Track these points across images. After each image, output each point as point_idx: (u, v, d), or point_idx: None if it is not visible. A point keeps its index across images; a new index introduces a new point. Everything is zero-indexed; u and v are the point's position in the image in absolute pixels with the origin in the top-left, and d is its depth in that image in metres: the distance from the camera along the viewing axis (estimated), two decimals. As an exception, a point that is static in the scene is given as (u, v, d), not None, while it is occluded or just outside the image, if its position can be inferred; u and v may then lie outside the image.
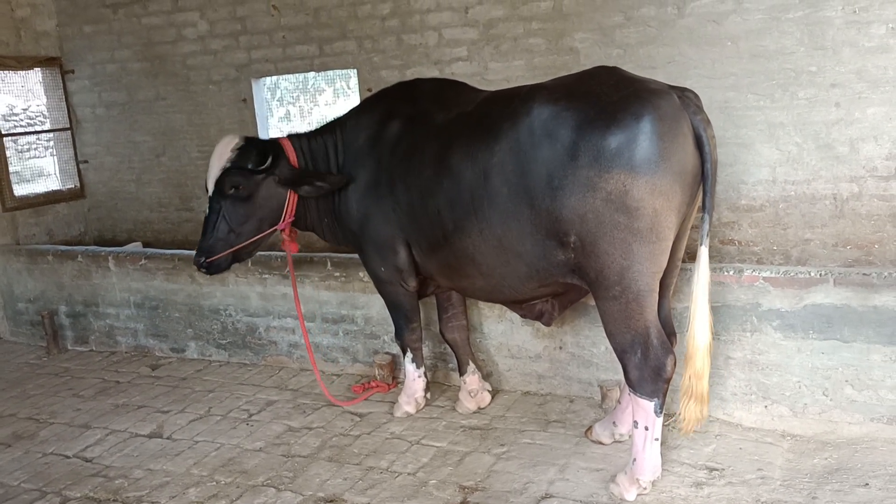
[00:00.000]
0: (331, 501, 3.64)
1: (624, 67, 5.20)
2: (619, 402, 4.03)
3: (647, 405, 3.42)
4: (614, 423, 3.97)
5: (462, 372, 4.56)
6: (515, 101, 3.55)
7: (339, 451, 4.14)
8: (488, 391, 4.58)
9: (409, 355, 4.52)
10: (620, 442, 3.96)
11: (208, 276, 4.64)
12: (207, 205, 4.34)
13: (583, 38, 5.47)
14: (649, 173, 3.13)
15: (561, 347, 4.57)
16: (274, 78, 7.09)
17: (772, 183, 5.19)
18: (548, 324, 4.12)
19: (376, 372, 4.98)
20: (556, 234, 3.37)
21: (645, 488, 3.49)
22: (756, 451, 3.83)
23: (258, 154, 4.22)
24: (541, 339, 4.61)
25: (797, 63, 4.97)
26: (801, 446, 3.83)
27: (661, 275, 3.39)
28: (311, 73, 6.77)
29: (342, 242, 4.55)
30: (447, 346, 4.64)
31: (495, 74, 5.76)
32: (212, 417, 4.72)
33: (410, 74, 6.00)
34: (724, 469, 3.68)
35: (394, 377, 4.98)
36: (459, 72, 5.87)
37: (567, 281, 3.57)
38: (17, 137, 7.72)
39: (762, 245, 5.28)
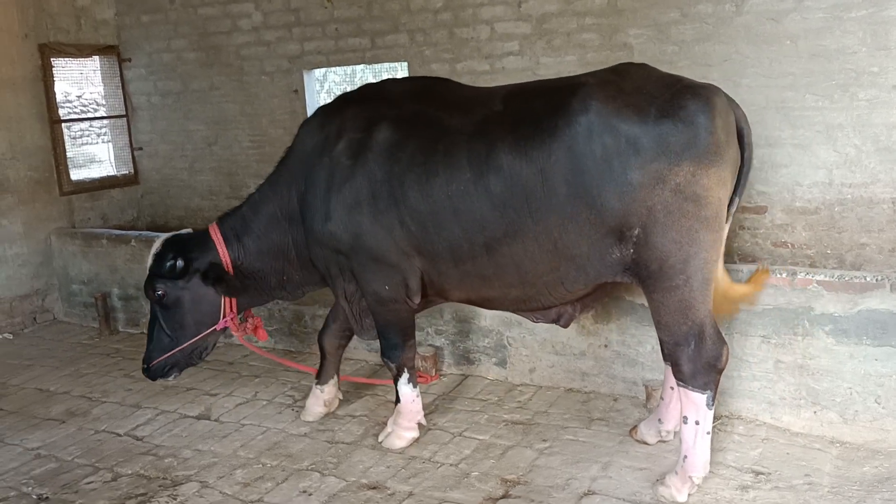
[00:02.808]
0: (373, 488, 3.69)
1: (679, 64, 5.25)
2: (661, 398, 4.00)
3: (699, 398, 3.42)
4: (660, 420, 3.93)
5: (322, 382, 4.46)
6: (564, 95, 3.47)
7: (383, 439, 4.18)
8: (339, 399, 4.58)
9: (405, 376, 4.11)
10: (665, 441, 3.93)
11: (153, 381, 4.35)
12: None
13: (637, 34, 5.41)
14: (714, 164, 3.29)
15: (606, 345, 4.54)
16: (323, 70, 7.16)
17: (828, 185, 5.08)
18: (566, 326, 4.04)
19: (420, 364, 5.00)
20: (618, 230, 3.37)
21: (697, 485, 3.47)
22: (804, 456, 3.76)
23: (172, 258, 4.02)
24: (585, 337, 4.59)
25: (858, 63, 4.85)
26: (851, 454, 3.76)
27: (717, 265, 3.48)
28: (360, 66, 6.82)
29: (301, 295, 4.43)
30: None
31: (547, 69, 5.73)
32: (258, 402, 4.81)
33: (461, 68, 6.01)
34: (770, 473, 3.63)
35: (437, 369, 5.01)
36: (510, 66, 5.86)
37: (613, 280, 3.57)
38: (71, 124, 7.91)
39: (816, 248, 5.18)
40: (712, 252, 3.38)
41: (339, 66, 6.78)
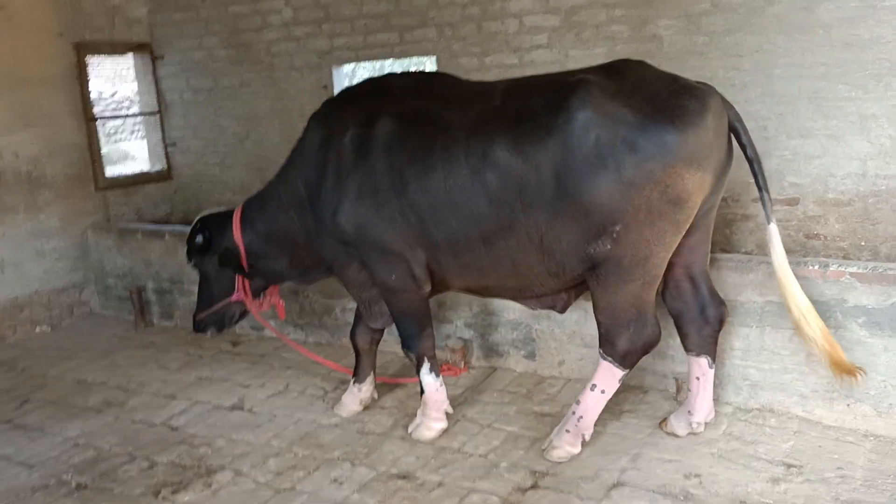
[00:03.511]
0: (403, 478, 3.73)
1: (709, 56, 5.21)
2: (689, 390, 4.00)
3: (618, 374, 3.69)
4: (689, 412, 3.93)
5: (359, 380, 4.51)
6: (563, 92, 3.47)
7: (412, 430, 4.22)
8: (374, 398, 4.62)
9: (427, 365, 4.14)
10: (696, 434, 3.92)
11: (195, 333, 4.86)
12: None
13: (667, 25, 5.38)
14: (701, 168, 3.34)
15: (635, 338, 4.53)
16: (351, 65, 7.20)
17: (862, 177, 5.01)
18: (562, 311, 4.10)
19: (448, 356, 5.04)
20: (600, 226, 3.41)
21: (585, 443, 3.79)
22: (836, 449, 3.73)
23: (199, 235, 4.47)
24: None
25: (893, 53, 4.77)
26: (885, 447, 3.71)
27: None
28: (388, 61, 6.86)
29: (314, 280, 4.67)
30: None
31: (575, 62, 5.71)
32: (290, 393, 4.88)
33: (489, 62, 6.02)
34: (802, 466, 3.60)
35: (466, 362, 5.03)
36: (539, 59, 5.85)
37: (582, 273, 3.64)
38: (104, 121, 8.05)
39: (849, 240, 5.11)
40: (670, 252, 3.54)
41: (367, 61, 6.81)
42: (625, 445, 3.89)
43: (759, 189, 3.56)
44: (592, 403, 3.75)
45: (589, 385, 3.76)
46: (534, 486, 3.58)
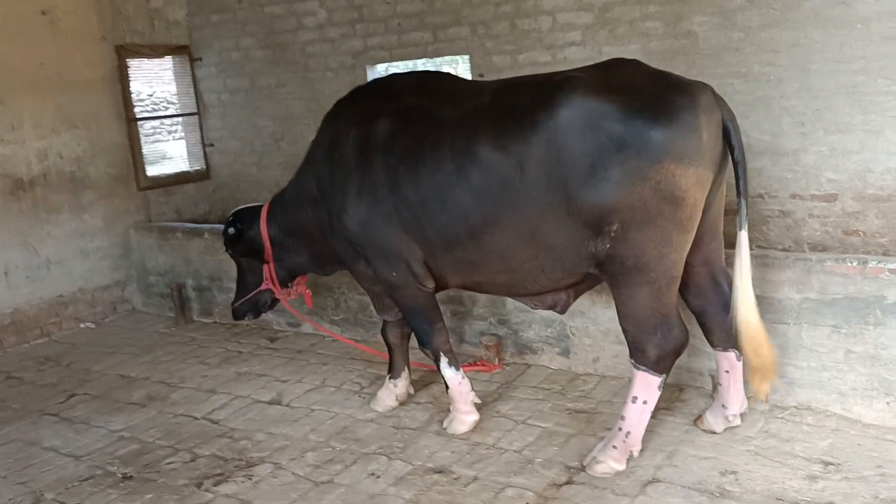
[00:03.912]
0: (439, 472, 3.78)
1: (745, 51, 5.17)
2: (719, 384, 3.99)
3: (655, 381, 3.61)
4: (724, 405, 3.93)
5: (394, 376, 4.57)
6: (548, 90, 3.50)
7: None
8: (410, 393, 4.67)
9: (444, 360, 4.20)
10: (733, 427, 3.91)
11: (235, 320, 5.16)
12: None
13: (702, 21, 5.34)
14: (695, 164, 3.27)
15: (670, 335, 4.52)
16: (386, 64, 7.26)
17: (902, 172, 4.94)
18: (562, 312, 4.12)
19: (483, 352, 5.08)
20: (597, 223, 3.41)
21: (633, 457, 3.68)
22: (876, 447, 3.70)
23: (227, 227, 4.79)
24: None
25: (934, 46, 4.70)
26: (926, 446, 3.68)
27: (685, 260, 3.54)
28: (421, 60, 6.91)
29: (331, 272, 4.85)
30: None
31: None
32: (326, 388, 4.96)
33: (522, 60, 6.04)
34: (840, 464, 3.58)
35: (500, 358, 5.07)
36: (572, 56, 5.85)
37: (587, 272, 3.64)
38: (144, 122, 8.23)
39: (889, 237, 5.04)
40: (682, 252, 3.46)
41: (401, 60, 6.87)
42: (660, 442, 3.89)
43: (739, 195, 3.48)
44: (637, 416, 3.65)
45: (629, 398, 3.68)
46: (568, 482, 3.60)
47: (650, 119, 3.25)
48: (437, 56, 6.66)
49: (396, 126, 3.95)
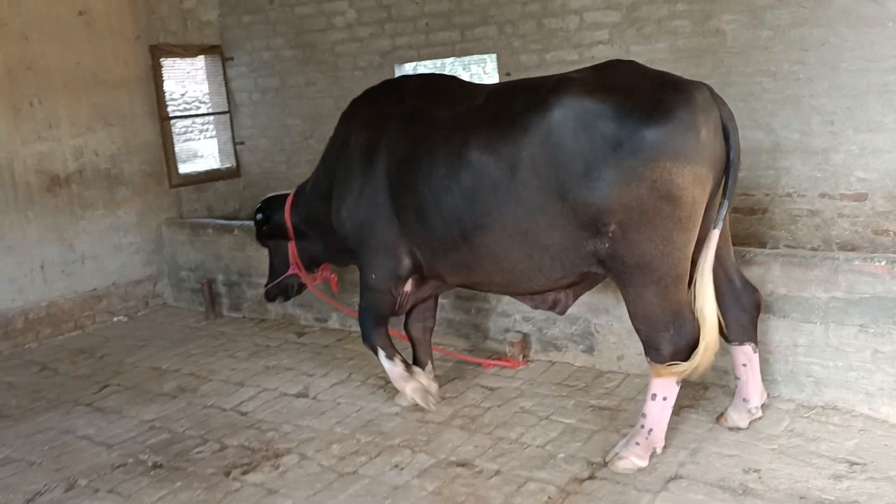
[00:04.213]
0: (462, 465, 3.82)
1: (774, 50, 5.15)
2: (737, 378, 4.00)
3: (673, 376, 3.59)
4: (745, 399, 3.93)
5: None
6: (542, 92, 3.51)
7: (471, 420, 4.31)
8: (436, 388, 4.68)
9: (382, 353, 4.47)
10: (757, 420, 3.91)
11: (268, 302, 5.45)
12: None
13: (730, 19, 5.33)
14: (691, 162, 3.25)
15: (695, 333, 4.51)
16: (413, 63, 7.32)
17: (934, 171, 4.89)
18: (562, 313, 4.14)
19: (507, 349, 5.11)
20: (593, 224, 3.41)
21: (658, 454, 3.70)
22: (903, 449, 3.67)
23: (259, 214, 5.03)
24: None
25: (967, 44, 4.65)
26: (955, 447, 3.63)
27: (690, 257, 3.51)
28: (450, 59, 6.96)
29: (347, 263, 5.00)
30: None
31: (636, 58, 5.55)
32: (352, 382, 5.02)
33: (549, 59, 6.06)
34: (866, 464, 3.55)
35: (524, 355, 5.10)
36: (600, 55, 5.85)
37: (589, 270, 3.65)
38: (176, 121, 8.38)
39: (921, 236, 4.99)
40: (685, 251, 3.43)
41: (429, 59, 6.93)
42: (684, 440, 3.89)
43: (724, 195, 3.47)
44: (657, 413, 3.65)
45: (649, 395, 3.69)
46: (591, 477, 3.62)
47: (645, 118, 3.24)
48: (465, 55, 6.71)
49: (398, 129, 4.08)
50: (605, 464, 3.71)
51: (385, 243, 4.16)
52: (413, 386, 4.44)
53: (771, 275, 4.17)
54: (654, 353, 3.60)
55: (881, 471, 3.49)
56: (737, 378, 4.01)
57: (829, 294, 4.01)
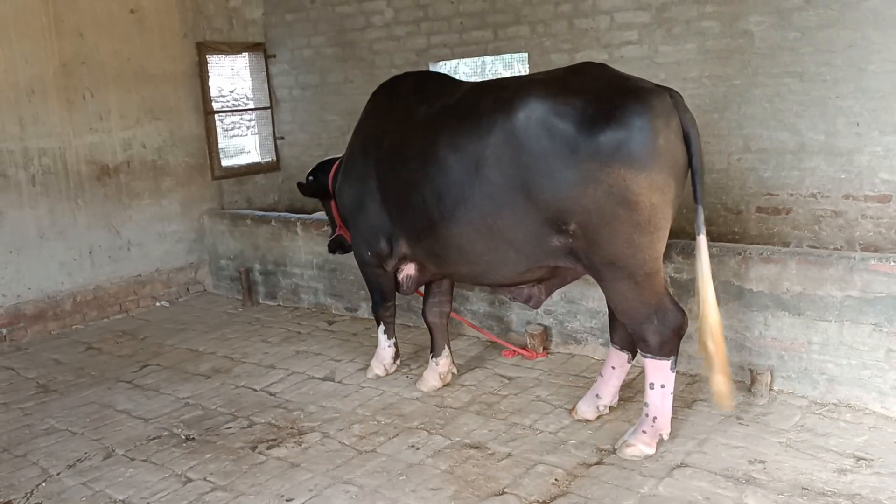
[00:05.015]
0: (475, 447, 3.97)
1: (801, 51, 5.19)
2: (600, 374, 4.22)
3: (665, 364, 3.70)
4: (597, 395, 4.17)
5: (436, 354, 4.77)
6: (508, 93, 3.67)
7: (487, 406, 4.46)
8: (454, 373, 4.86)
9: (382, 327, 4.94)
10: (768, 420, 3.95)
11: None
12: None
13: (758, 20, 5.37)
14: (647, 169, 3.33)
15: (712, 329, 4.58)
16: (454, 62, 7.47)
17: (963, 174, 4.87)
18: (536, 307, 4.30)
19: (528, 341, 5.24)
20: (554, 222, 3.57)
21: (665, 440, 3.80)
22: (912, 446, 3.71)
23: (310, 175, 5.32)
24: (692, 321, 4.63)
25: None
26: (965, 447, 3.66)
27: (662, 255, 3.60)
28: (490, 58, 7.10)
29: None
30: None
31: (665, 58, 5.79)
32: (377, 368, 5.21)
33: (579, 58, 6.15)
34: (873, 460, 3.60)
35: (545, 347, 5.22)
36: (629, 55, 5.95)
37: (559, 265, 3.79)
38: (224, 116, 8.67)
39: (944, 239, 4.97)
40: (650, 252, 3.52)
41: (462, 58, 7.07)
42: (693, 431, 3.98)
43: (696, 201, 3.53)
44: (659, 401, 3.75)
45: (647, 385, 3.79)
46: (598, 463, 3.74)
47: (602, 124, 3.35)
48: (497, 54, 6.84)
49: (389, 122, 4.37)
50: (614, 451, 3.82)
51: (373, 226, 4.51)
52: (382, 368, 4.96)
53: (787, 272, 4.23)
54: (642, 344, 3.73)
55: (887, 466, 3.54)
56: (600, 375, 4.19)
57: (844, 293, 4.06)
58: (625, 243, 3.47)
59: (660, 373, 3.73)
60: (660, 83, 5.65)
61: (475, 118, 3.77)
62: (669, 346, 3.68)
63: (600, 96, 3.46)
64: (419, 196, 4.05)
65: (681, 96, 3.59)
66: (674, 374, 3.75)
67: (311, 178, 5.31)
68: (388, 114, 4.44)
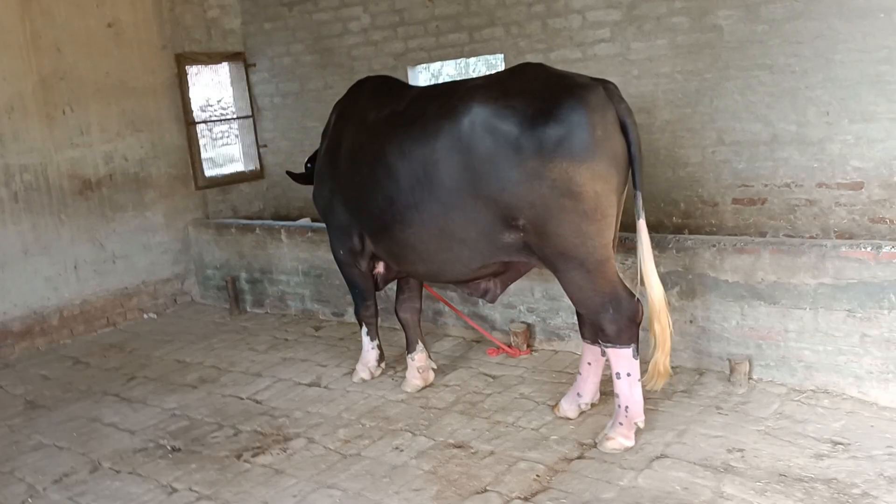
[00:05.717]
0: (459, 447, 4.01)
1: (769, 44, 5.25)
2: (578, 373, 4.26)
3: (626, 352, 3.78)
4: (579, 393, 4.22)
5: (410, 350, 4.85)
6: (453, 99, 3.84)
7: (471, 406, 4.50)
8: (433, 369, 4.89)
9: (364, 329, 5.02)
10: (747, 409, 4.00)
11: None
12: None
13: (727, 14, 5.42)
14: (587, 160, 3.50)
15: (691, 321, 4.65)
16: (437, 64, 7.51)
17: (930, 159, 4.93)
18: (492, 301, 4.43)
19: (511, 339, 5.29)
20: (504, 219, 3.72)
21: (640, 428, 3.85)
22: (889, 429, 3.76)
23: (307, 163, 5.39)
24: (671, 313, 4.69)
25: (961, 32, 4.68)
26: (939, 428, 3.71)
27: (611, 243, 3.73)
28: (458, 60, 7.14)
29: None
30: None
31: (637, 55, 5.84)
32: (362, 372, 5.24)
33: (554, 57, 6.21)
34: (849, 444, 3.66)
35: (528, 344, 5.27)
36: (602, 53, 6.00)
37: (510, 260, 3.94)
38: (213, 126, 8.69)
39: (917, 224, 5.03)
40: (599, 239, 3.65)
41: (439, 61, 7.12)
42: (673, 422, 4.03)
43: (634, 187, 3.68)
44: (627, 389, 3.81)
45: (613, 375, 3.86)
46: (579, 457, 3.79)
47: (541, 122, 3.53)
48: (473, 56, 6.89)
49: (346, 128, 4.57)
50: (595, 445, 3.87)
51: (342, 225, 4.68)
52: (367, 371, 5.02)
53: (761, 262, 4.29)
54: (601, 333, 3.83)
55: (864, 450, 3.59)
56: (578, 373, 4.25)
57: (818, 280, 4.12)
58: (573, 233, 3.60)
59: (623, 361, 3.80)
60: (633, 79, 5.81)
61: (422, 124, 3.93)
62: (627, 334, 3.76)
63: (538, 96, 3.61)
64: (373, 200, 4.24)
65: (616, 87, 3.72)
66: (637, 361, 3.81)
67: (308, 165, 5.38)
68: (348, 118, 4.60)
